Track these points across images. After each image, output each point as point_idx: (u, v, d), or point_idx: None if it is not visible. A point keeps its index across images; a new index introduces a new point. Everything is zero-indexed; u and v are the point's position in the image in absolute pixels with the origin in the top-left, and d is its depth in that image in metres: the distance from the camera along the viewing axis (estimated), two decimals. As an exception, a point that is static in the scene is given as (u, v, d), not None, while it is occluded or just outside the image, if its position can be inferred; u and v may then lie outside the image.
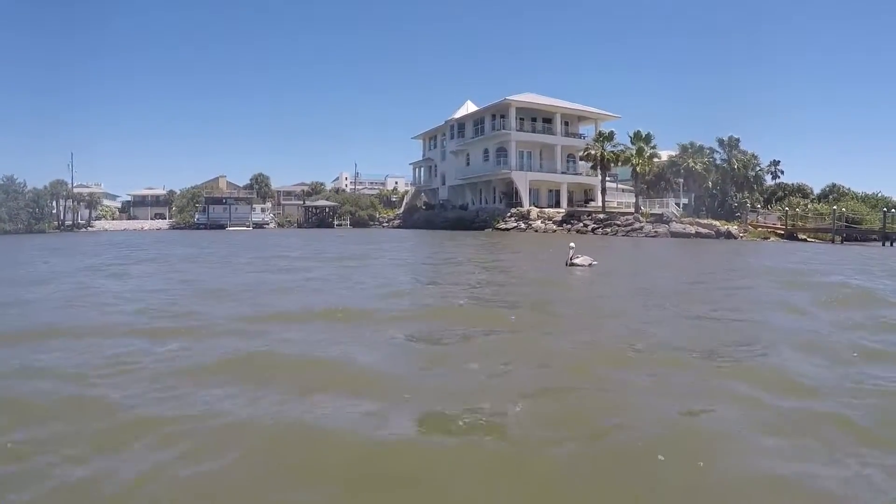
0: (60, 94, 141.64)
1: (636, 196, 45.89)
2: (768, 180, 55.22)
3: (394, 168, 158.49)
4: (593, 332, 6.52)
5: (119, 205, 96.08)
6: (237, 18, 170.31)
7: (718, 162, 50.66)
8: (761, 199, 51.91)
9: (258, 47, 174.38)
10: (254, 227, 71.04)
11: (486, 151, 55.45)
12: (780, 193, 54.77)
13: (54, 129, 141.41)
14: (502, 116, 53.48)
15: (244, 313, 7.10)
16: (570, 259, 13.70)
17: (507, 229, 45.21)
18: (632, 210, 44.73)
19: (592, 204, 50.01)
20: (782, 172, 55.86)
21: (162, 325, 6.30)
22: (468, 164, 58.70)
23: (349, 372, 4.53)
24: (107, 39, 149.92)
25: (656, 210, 44.94)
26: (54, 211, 71.28)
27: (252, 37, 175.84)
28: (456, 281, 11.79)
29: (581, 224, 43.11)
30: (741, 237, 38.13)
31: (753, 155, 51.27)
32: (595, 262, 13.86)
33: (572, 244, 14.24)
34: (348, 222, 74.67)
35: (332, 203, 78.22)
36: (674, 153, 51.35)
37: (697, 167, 48.20)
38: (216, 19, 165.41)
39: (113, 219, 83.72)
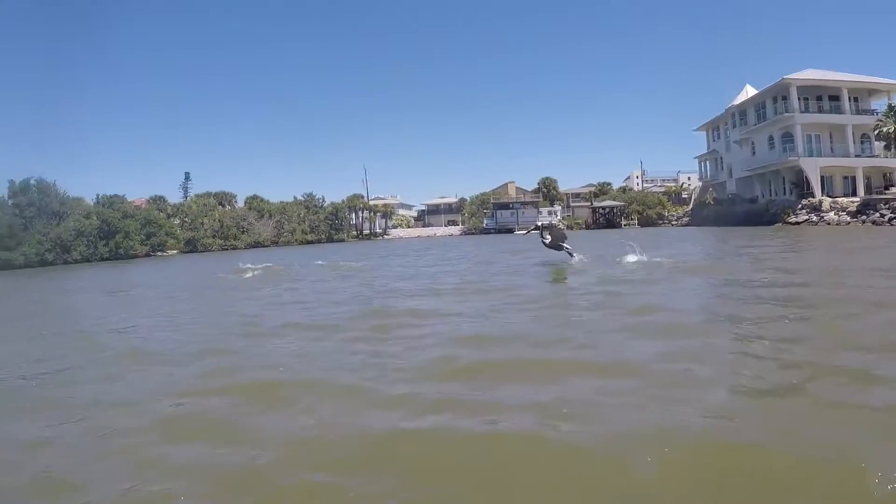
0: (349, 98, 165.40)
1: (941, 180, 37.48)
2: None
3: (685, 164, 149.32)
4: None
5: (415, 214, 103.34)
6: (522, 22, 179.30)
7: None
8: None
9: (542, 49, 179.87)
10: None
11: (770, 138, 51.30)
12: None
13: (349, 148, 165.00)
14: (783, 98, 49.17)
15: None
16: (539, 232, 13.44)
17: (798, 223, 42.14)
18: (942, 197, 36.28)
19: (893, 190, 42.49)
20: None
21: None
22: (753, 153, 54.85)
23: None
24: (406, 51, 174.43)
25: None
26: (353, 222, 79.18)
27: (541, 39, 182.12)
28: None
29: (878, 214, 37.11)
30: None
31: None
32: (577, 256, 13.15)
33: (542, 221, 14.00)
34: (636, 222, 74.66)
35: (619, 203, 79.01)
36: None
37: None
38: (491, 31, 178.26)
39: (408, 227, 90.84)
